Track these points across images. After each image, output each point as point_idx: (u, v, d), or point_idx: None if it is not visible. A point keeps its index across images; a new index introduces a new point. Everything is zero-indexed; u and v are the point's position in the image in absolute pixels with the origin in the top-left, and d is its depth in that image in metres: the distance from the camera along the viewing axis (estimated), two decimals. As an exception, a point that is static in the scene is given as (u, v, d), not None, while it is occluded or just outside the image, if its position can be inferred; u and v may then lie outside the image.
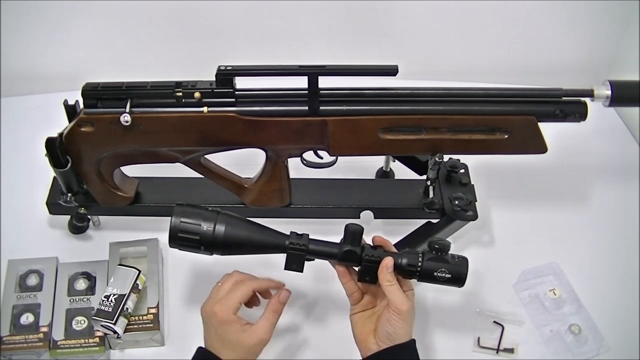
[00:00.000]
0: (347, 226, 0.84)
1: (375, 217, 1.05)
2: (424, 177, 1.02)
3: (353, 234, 0.83)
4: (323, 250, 0.84)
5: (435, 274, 0.82)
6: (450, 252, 0.83)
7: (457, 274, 0.82)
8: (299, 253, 0.83)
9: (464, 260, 0.83)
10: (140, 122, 0.90)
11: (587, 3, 1.30)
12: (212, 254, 0.84)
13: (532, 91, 0.93)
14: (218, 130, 0.91)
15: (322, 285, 1.01)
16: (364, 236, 0.84)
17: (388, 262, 0.82)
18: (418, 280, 0.83)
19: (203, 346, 0.83)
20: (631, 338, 0.97)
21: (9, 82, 1.33)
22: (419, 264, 0.82)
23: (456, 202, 1.00)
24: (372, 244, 0.85)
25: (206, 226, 0.82)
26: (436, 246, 0.82)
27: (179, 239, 0.82)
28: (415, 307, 0.83)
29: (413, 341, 0.81)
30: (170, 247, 0.83)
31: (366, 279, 0.84)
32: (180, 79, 0.90)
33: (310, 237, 0.85)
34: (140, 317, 0.93)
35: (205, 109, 0.90)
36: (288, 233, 0.85)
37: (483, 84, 1.00)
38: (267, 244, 0.84)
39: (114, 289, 0.93)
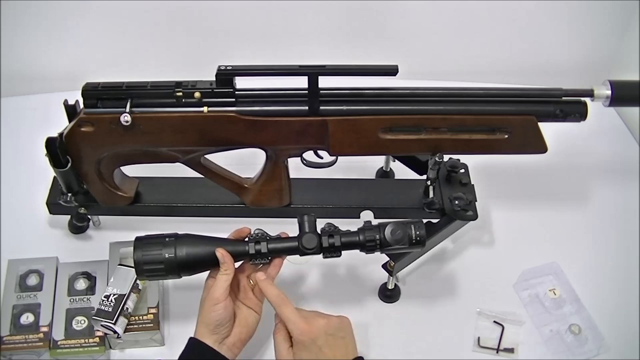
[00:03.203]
0: (298, 218, 0.86)
1: (375, 217, 1.05)
2: (424, 177, 1.02)
3: (307, 225, 0.85)
4: (284, 248, 0.86)
5: (394, 245, 0.84)
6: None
7: (416, 238, 0.85)
8: (261, 261, 0.85)
9: (420, 223, 0.85)
10: (140, 122, 0.90)
11: (587, 3, 1.30)
12: (181, 276, 0.85)
13: (532, 91, 0.93)
14: (218, 130, 0.91)
15: (323, 282, 1.02)
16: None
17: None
18: (381, 253, 0.86)
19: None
20: (631, 338, 0.97)
21: (9, 82, 1.33)
22: (377, 237, 0.84)
23: (456, 202, 1.00)
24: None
25: (167, 252, 0.83)
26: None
27: (145, 271, 0.84)
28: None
29: None
30: (139, 279, 0.85)
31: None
32: (180, 79, 0.90)
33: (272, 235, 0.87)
34: (140, 317, 0.93)
35: (205, 108, 0.90)
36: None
37: (483, 84, 1.00)
38: (231, 254, 0.84)
39: (114, 289, 0.93)
